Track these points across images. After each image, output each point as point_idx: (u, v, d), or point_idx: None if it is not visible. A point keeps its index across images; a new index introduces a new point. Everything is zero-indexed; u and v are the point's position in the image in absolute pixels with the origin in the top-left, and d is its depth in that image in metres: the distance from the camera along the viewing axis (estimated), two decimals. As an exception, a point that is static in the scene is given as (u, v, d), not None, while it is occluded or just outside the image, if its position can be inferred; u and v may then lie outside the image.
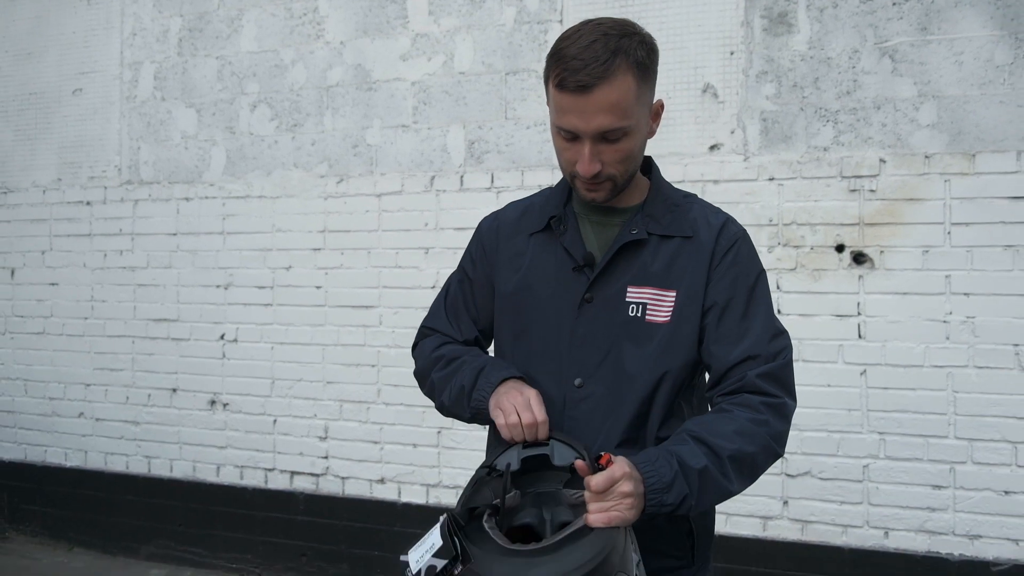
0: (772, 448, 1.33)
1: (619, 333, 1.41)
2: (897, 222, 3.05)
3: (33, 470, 4.46)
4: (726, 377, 1.38)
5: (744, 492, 3.37)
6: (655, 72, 1.39)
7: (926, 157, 3.02)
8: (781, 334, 1.41)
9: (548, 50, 3.44)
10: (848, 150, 3.10)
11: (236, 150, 4.03)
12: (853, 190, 3.10)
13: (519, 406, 1.32)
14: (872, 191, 3.07)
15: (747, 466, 1.30)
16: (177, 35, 4.15)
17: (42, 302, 4.44)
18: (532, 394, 1.35)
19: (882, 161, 3.06)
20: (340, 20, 3.83)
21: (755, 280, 1.43)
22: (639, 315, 1.40)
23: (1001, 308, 2.94)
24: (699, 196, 1.55)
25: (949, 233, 3.00)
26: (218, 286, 4.05)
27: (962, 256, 2.98)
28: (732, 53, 3.24)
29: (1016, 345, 2.92)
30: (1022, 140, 2.91)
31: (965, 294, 2.98)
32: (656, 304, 1.40)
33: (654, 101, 1.42)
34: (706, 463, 1.26)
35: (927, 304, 3.02)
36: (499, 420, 1.33)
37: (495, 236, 1.57)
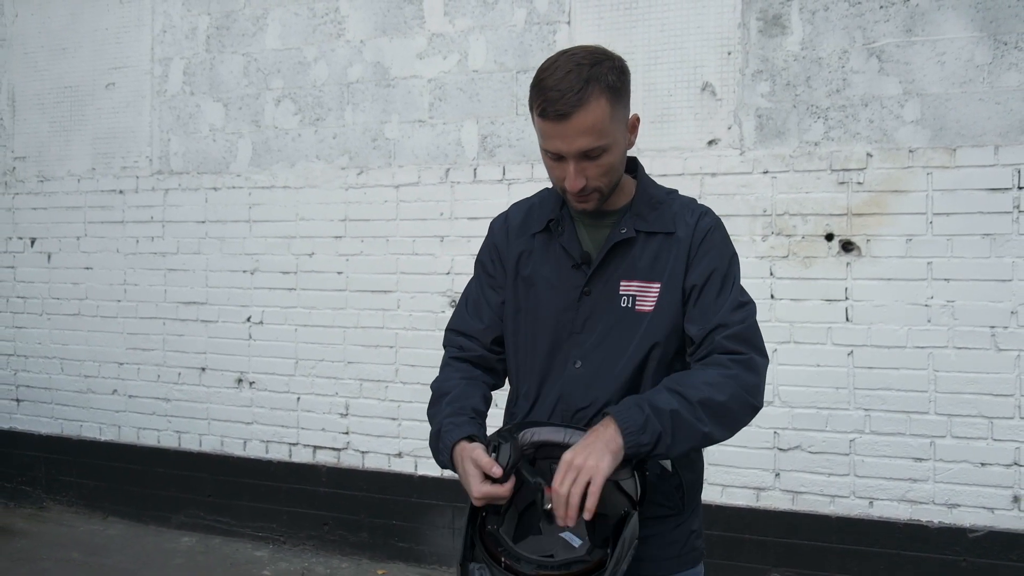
0: (745, 399, 1.50)
1: (613, 322, 1.60)
2: (883, 212, 3.25)
3: (69, 443, 4.73)
4: (700, 346, 1.56)
5: (738, 465, 3.59)
6: (628, 91, 1.56)
7: (910, 151, 3.22)
8: (745, 304, 1.59)
9: (556, 51, 3.66)
10: (837, 145, 3.31)
11: (261, 143, 4.26)
12: (842, 182, 3.30)
13: (477, 498, 1.46)
14: (859, 183, 3.28)
15: (720, 412, 1.47)
16: (205, 32, 4.38)
17: (77, 285, 4.69)
18: (469, 469, 1.47)
19: (869, 155, 3.27)
20: (360, 20, 4.05)
21: (727, 263, 1.61)
22: (630, 306, 1.59)
23: (979, 293, 3.14)
24: (678, 191, 1.72)
25: (931, 223, 3.20)
26: (245, 271, 4.29)
27: (943, 244, 3.19)
28: (729, 53, 3.44)
29: (992, 327, 3.13)
30: (1000, 135, 3.11)
31: (945, 280, 3.19)
32: (643, 295, 1.59)
33: (630, 116, 1.59)
34: (676, 406, 1.43)
35: (910, 289, 3.22)
36: (479, 500, 1.48)
37: (505, 234, 1.75)
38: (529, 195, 1.82)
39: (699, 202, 1.70)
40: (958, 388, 3.17)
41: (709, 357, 1.54)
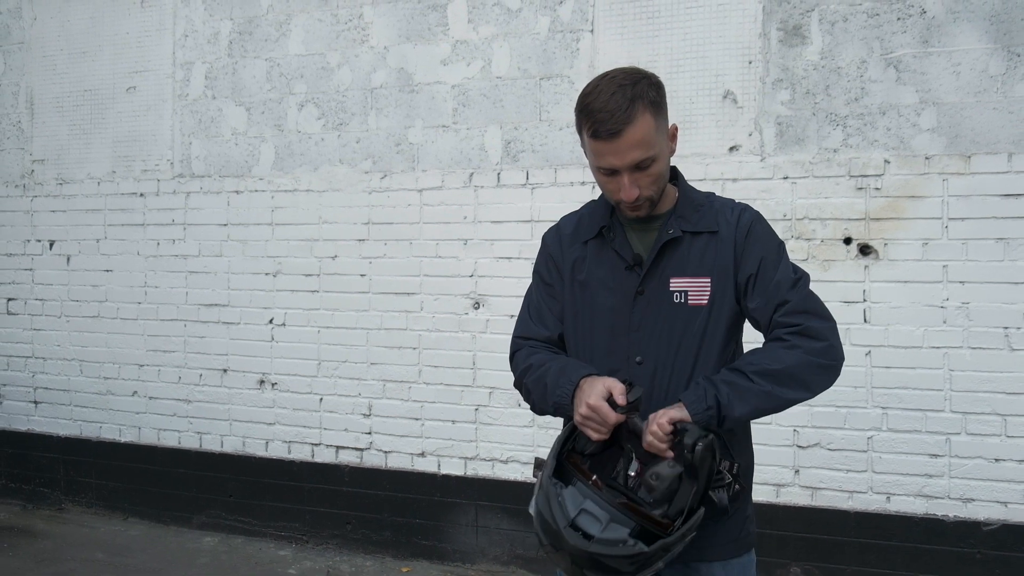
0: (812, 361, 1.63)
1: (668, 318, 1.72)
2: (900, 217, 3.36)
3: (88, 445, 4.76)
4: (768, 327, 1.71)
5: (758, 462, 3.67)
6: (666, 104, 1.69)
7: (926, 158, 3.33)
8: (799, 279, 1.72)
9: (579, 58, 3.75)
10: (855, 151, 3.42)
11: (284, 147, 4.31)
12: (860, 188, 3.41)
13: (591, 412, 1.60)
14: (877, 189, 3.39)
15: (781, 376, 1.61)
16: (227, 37, 4.43)
17: (97, 287, 4.72)
18: (598, 387, 1.60)
19: (886, 162, 3.38)
20: (384, 26, 4.12)
21: (776, 250, 1.74)
22: (683, 301, 1.72)
23: (993, 295, 3.26)
24: (715, 193, 1.85)
25: (947, 227, 3.32)
26: (267, 273, 4.35)
27: (958, 248, 3.30)
28: (750, 62, 3.55)
29: (1006, 328, 3.25)
30: (1013, 143, 3.23)
31: (961, 282, 3.30)
32: (696, 291, 1.72)
33: (669, 126, 1.72)
34: (730, 378, 1.62)
35: (926, 291, 3.34)
36: (579, 419, 1.63)
37: (559, 244, 1.87)
38: (577, 208, 1.95)
39: (736, 200, 1.82)
40: (973, 387, 3.29)
41: (771, 334, 1.69)
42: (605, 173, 1.67)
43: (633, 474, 1.57)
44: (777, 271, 1.71)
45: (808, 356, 1.64)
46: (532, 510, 1.62)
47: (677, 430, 1.53)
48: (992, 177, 3.26)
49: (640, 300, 1.73)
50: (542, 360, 1.78)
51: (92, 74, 4.71)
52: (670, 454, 1.53)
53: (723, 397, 1.59)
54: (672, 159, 1.78)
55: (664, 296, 1.72)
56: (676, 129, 1.74)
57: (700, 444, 1.49)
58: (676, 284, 1.72)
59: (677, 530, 1.51)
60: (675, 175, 1.83)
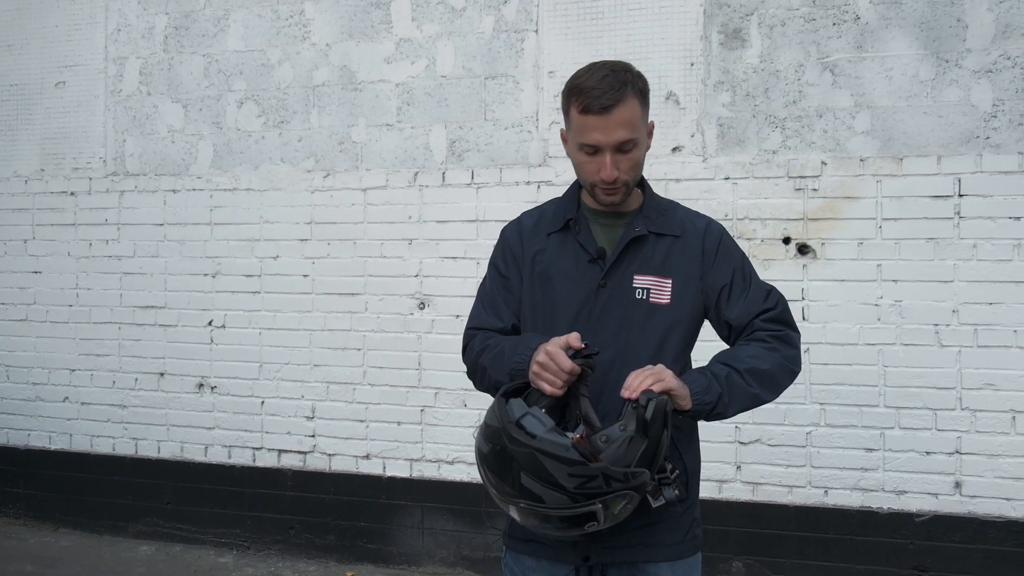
0: (786, 366, 1.73)
1: (628, 312, 1.74)
2: (836, 217, 3.45)
3: (15, 453, 4.57)
4: (743, 331, 1.77)
5: (701, 459, 3.74)
6: (649, 101, 1.75)
7: (861, 160, 3.43)
8: (772, 290, 1.81)
9: (524, 58, 3.74)
10: (794, 153, 3.50)
11: (223, 144, 4.21)
12: (798, 189, 3.49)
13: (547, 359, 1.60)
14: (815, 190, 3.47)
15: (764, 378, 1.69)
16: (163, 32, 4.30)
17: (24, 290, 4.54)
18: (555, 340, 1.62)
19: (823, 163, 3.46)
20: (326, 23, 4.06)
21: (742, 261, 1.82)
22: (645, 298, 1.74)
23: (924, 293, 3.37)
24: (679, 202, 1.90)
25: (880, 227, 3.41)
26: (206, 274, 4.24)
27: (891, 247, 3.40)
28: (692, 65, 3.60)
29: (936, 325, 3.36)
30: (942, 146, 3.34)
31: (894, 281, 3.40)
32: (657, 289, 1.75)
33: (648, 122, 1.77)
34: (728, 372, 1.67)
35: (861, 289, 3.43)
36: (534, 368, 1.62)
37: (519, 238, 1.87)
38: (521, 207, 2.00)
39: (698, 212, 1.86)
40: (905, 382, 3.39)
41: (752, 335, 1.75)
42: (588, 152, 1.69)
43: (578, 436, 1.56)
44: (751, 282, 1.79)
45: (784, 361, 1.73)
46: (475, 437, 1.62)
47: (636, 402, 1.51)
48: (922, 179, 3.37)
49: (602, 293, 1.75)
50: (499, 340, 1.79)
51: (18, 68, 4.53)
52: (636, 394, 1.52)
53: (725, 396, 1.65)
54: None
55: (626, 291, 1.74)
56: (653, 126, 1.79)
57: (652, 402, 1.50)
58: (639, 281, 1.74)
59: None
60: (642, 181, 1.86)
